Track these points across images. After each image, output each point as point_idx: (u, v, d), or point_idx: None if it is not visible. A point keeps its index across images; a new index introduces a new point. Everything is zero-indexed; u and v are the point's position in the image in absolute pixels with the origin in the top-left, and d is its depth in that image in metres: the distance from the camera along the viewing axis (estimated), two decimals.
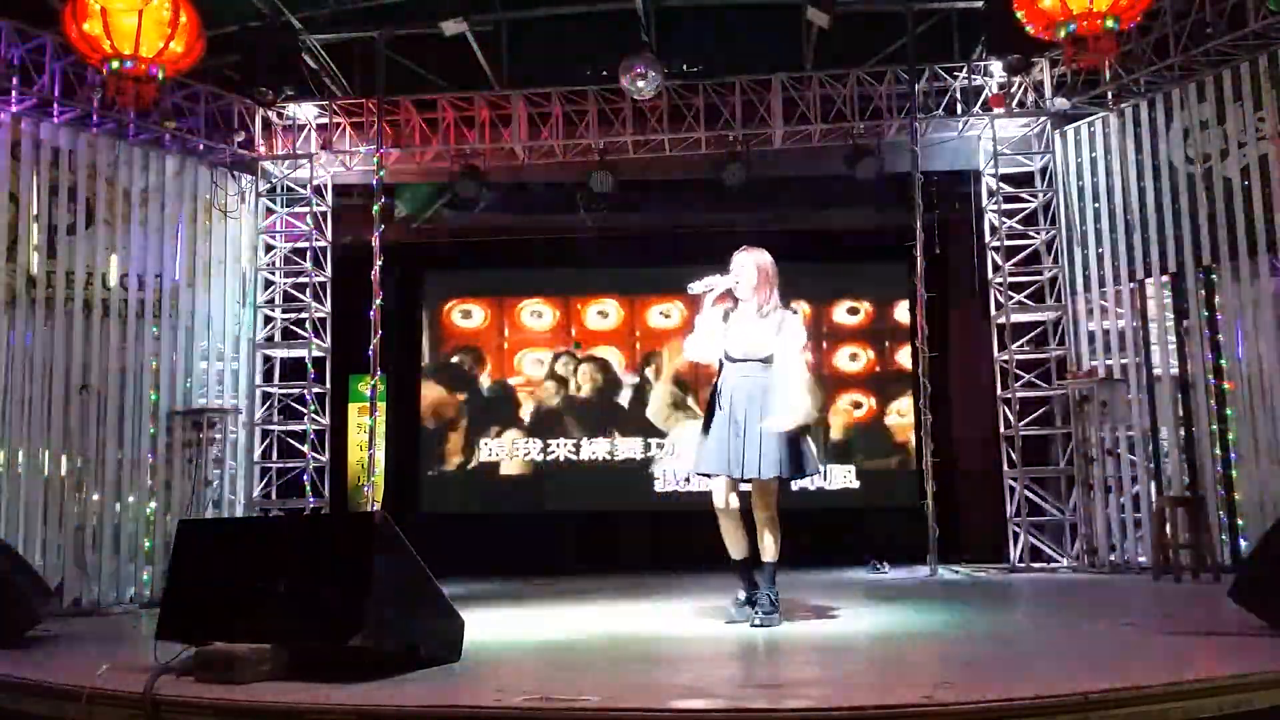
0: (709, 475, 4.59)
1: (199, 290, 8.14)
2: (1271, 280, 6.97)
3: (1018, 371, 8.31)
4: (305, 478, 8.54)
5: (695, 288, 4.61)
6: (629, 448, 10.00)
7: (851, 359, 10.15)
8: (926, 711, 2.46)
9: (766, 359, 4.56)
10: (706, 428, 4.62)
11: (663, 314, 10.24)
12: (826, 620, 4.96)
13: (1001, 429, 8.35)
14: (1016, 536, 8.13)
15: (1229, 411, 7.24)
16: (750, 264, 4.60)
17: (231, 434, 8.28)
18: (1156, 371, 7.73)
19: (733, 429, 4.48)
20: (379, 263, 8.60)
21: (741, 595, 4.69)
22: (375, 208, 8.66)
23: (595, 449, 10.07)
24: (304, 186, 8.88)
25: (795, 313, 4.65)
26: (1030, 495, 8.15)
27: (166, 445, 7.73)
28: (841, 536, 9.39)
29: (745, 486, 4.61)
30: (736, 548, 4.63)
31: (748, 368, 4.56)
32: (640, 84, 7.89)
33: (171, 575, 3.69)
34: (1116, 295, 7.98)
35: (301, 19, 8.05)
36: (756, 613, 4.48)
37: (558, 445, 10.11)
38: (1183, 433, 7.53)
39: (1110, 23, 5.52)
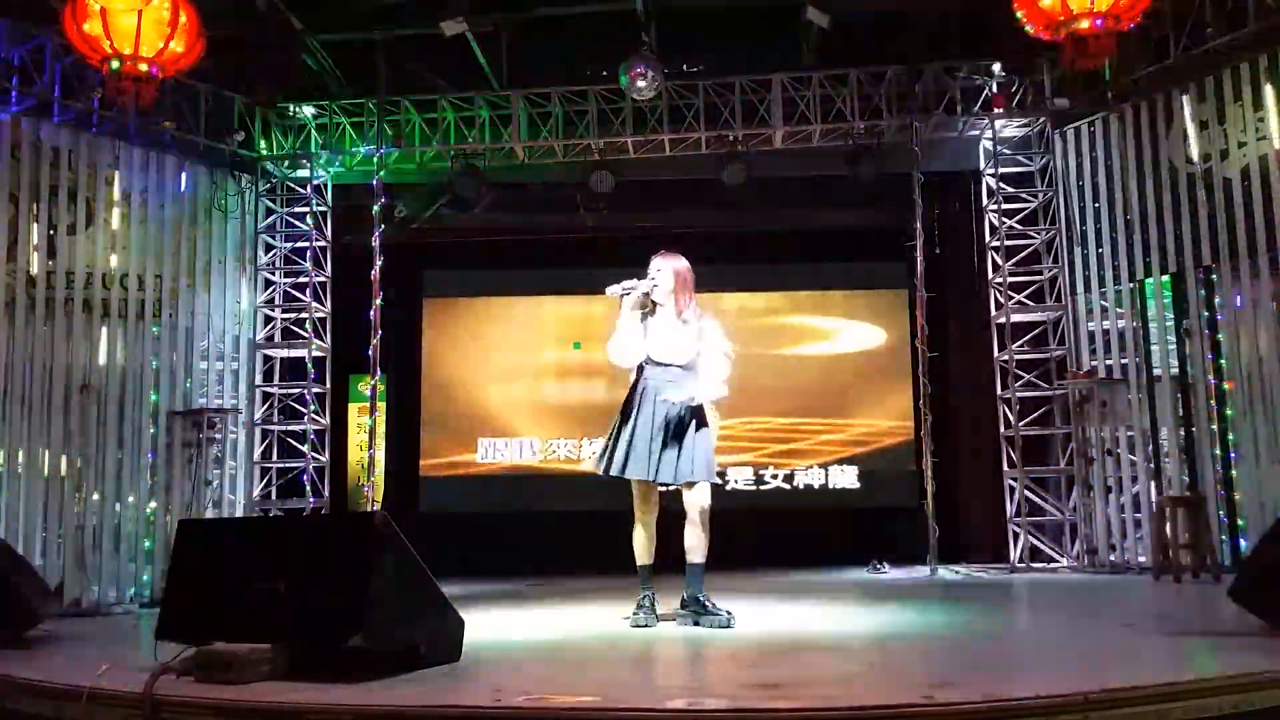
0: (623, 479, 4.56)
1: (199, 290, 8.14)
2: (1271, 280, 6.97)
3: (1018, 371, 8.31)
4: (305, 478, 8.55)
5: (613, 290, 4.57)
6: None
7: (851, 359, 10.14)
8: (926, 711, 2.46)
9: (689, 364, 4.58)
10: (622, 431, 4.59)
11: None
12: (826, 620, 4.96)
13: (1001, 429, 8.35)
14: (1016, 536, 8.13)
15: (1229, 411, 7.25)
16: (668, 269, 4.61)
17: (231, 434, 8.28)
18: (1156, 371, 7.74)
19: (659, 434, 4.49)
20: (379, 263, 8.62)
21: (647, 600, 4.62)
22: (375, 208, 8.68)
23: (595, 449, 10.04)
24: (304, 186, 8.89)
25: (714, 319, 4.66)
26: (1030, 495, 8.15)
27: (166, 445, 7.73)
28: (841, 536, 9.40)
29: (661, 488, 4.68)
30: (650, 554, 4.73)
31: (671, 372, 4.57)
32: (640, 84, 7.89)
33: (171, 575, 3.68)
34: (1116, 295, 7.99)
35: (301, 19, 8.05)
36: (703, 618, 4.47)
37: (558, 445, 10.10)
38: (1183, 433, 7.54)
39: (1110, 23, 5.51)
